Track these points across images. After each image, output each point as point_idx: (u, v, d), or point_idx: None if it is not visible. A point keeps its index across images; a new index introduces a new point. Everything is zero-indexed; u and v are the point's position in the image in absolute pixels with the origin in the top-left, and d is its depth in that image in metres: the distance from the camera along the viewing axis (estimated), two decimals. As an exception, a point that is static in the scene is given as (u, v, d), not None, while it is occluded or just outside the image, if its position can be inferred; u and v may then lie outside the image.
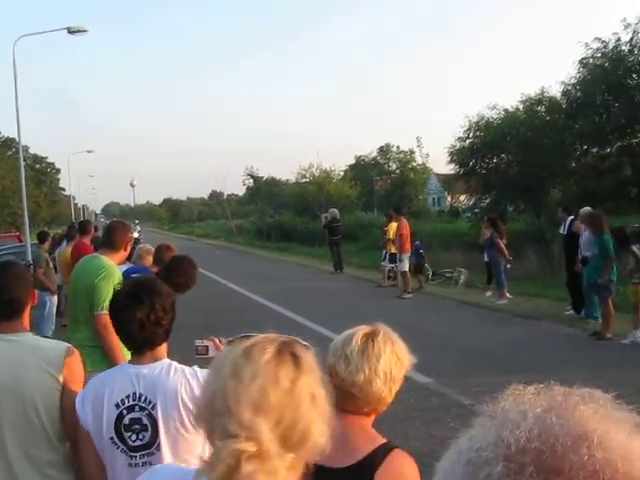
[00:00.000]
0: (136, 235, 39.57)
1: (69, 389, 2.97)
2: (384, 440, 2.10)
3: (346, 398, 2.07)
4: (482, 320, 12.77)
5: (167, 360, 2.72)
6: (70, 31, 22.24)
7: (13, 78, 21.61)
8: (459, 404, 7.44)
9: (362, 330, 2.19)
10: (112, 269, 5.17)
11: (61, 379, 2.95)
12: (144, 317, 2.64)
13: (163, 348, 2.75)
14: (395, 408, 7.37)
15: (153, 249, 7.10)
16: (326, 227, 22.72)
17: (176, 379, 2.61)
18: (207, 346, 2.95)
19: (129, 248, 5.64)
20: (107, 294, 4.97)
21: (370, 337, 2.15)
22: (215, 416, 1.30)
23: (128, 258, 7.61)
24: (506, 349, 10.04)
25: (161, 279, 5.63)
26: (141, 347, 2.70)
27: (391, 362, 2.12)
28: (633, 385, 7.89)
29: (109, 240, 5.39)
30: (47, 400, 2.94)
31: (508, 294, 14.94)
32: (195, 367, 2.69)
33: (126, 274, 5.35)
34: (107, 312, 4.90)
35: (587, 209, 12.56)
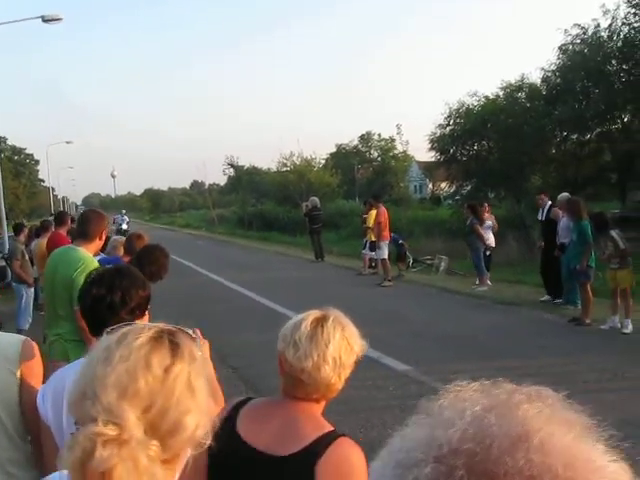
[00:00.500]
0: (124, 227, 37.56)
1: (27, 384, 2.86)
2: (331, 428, 2.04)
3: (295, 384, 2.06)
4: (462, 307, 12.74)
5: None
6: (44, 19, 21.88)
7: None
8: (438, 392, 7.36)
9: (312, 315, 2.13)
10: (90, 261, 5.07)
11: (19, 374, 2.85)
12: (98, 296, 2.59)
13: None
14: (374, 396, 7.33)
15: (126, 239, 7.01)
16: (307, 215, 22.65)
17: None
18: None
19: (104, 237, 5.53)
20: (86, 286, 4.88)
21: (320, 322, 2.10)
22: (84, 402, 1.23)
23: (103, 249, 7.52)
24: (486, 336, 10.02)
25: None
26: (95, 330, 2.59)
27: (341, 348, 2.07)
28: (610, 370, 7.92)
29: (83, 230, 5.27)
30: (5, 396, 2.83)
31: (489, 281, 14.98)
32: None
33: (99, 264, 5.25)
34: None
35: (565, 195, 12.55)
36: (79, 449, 1.15)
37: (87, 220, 5.29)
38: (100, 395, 1.20)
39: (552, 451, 0.62)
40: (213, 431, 1.30)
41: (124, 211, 46.70)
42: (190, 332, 1.42)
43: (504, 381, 0.75)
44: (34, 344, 3.02)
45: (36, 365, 2.96)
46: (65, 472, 1.47)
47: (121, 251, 6.86)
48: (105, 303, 2.59)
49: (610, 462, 0.65)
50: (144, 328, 1.34)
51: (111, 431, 1.16)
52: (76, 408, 1.25)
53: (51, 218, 13.79)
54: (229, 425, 2.07)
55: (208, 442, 1.30)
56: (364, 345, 2.16)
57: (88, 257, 5.10)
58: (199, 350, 1.37)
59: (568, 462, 0.61)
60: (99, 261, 5.71)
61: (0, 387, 2.82)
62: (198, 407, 1.28)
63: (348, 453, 1.96)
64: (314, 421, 2.06)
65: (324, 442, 1.96)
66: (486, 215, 15.41)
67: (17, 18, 24.33)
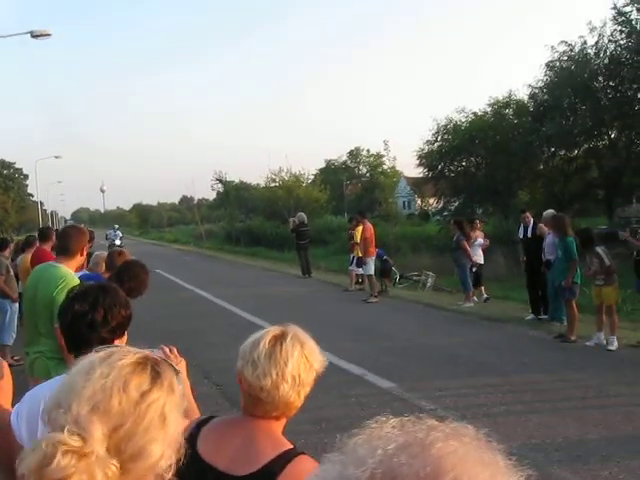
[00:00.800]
0: (118, 242, 35.60)
1: None
2: (290, 446, 2.00)
3: (254, 403, 2.03)
4: (448, 323, 12.68)
5: None
6: (33, 35, 21.94)
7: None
8: (421, 409, 7.31)
9: (271, 333, 2.08)
10: (70, 278, 4.99)
11: None
12: (79, 313, 2.53)
13: None
14: (357, 413, 7.27)
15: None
16: (294, 231, 22.56)
17: None
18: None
19: (85, 253, 5.45)
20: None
21: (278, 340, 2.05)
22: (57, 411, 1.24)
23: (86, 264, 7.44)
24: (470, 352, 9.96)
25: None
26: (73, 348, 2.56)
27: (299, 366, 2.02)
28: (595, 387, 7.88)
29: (64, 246, 5.18)
30: None
31: (485, 294, 15.09)
32: None
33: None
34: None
35: (550, 211, 12.54)
36: (40, 453, 1.16)
37: (67, 236, 5.21)
38: (72, 406, 1.22)
39: None
40: (177, 465, 1.30)
41: (117, 226, 43.51)
42: (177, 367, 1.42)
43: (427, 417, 0.74)
44: (3, 362, 2.94)
45: (5, 384, 2.88)
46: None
47: (103, 267, 6.78)
48: (86, 320, 2.53)
49: None
50: (130, 352, 1.36)
51: (74, 442, 1.17)
52: (49, 416, 1.26)
53: (36, 234, 13.68)
54: (191, 444, 2.02)
55: (170, 475, 1.29)
56: (324, 361, 2.11)
57: (69, 274, 5.03)
58: (180, 384, 1.37)
59: None
60: (80, 278, 5.63)
61: None
62: (166, 438, 1.28)
63: (307, 470, 1.90)
64: (273, 439, 2.03)
65: (283, 460, 1.93)
66: (477, 233, 15.39)
67: (4, 33, 24.28)
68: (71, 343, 2.56)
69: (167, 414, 1.29)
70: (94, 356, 1.33)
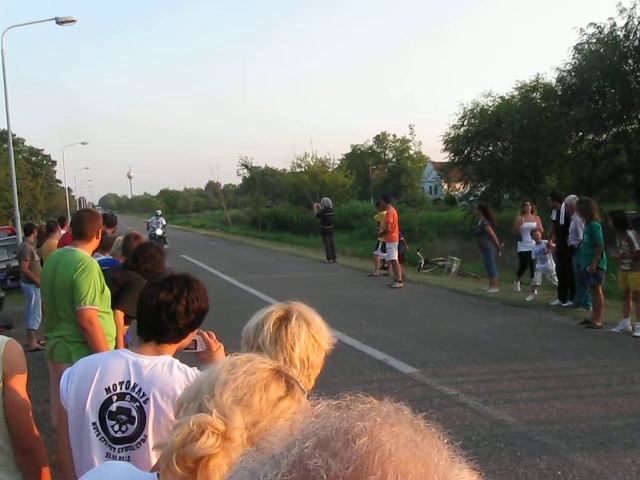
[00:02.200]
0: (159, 232, 30.43)
1: (10, 386, 2.81)
2: None
3: None
4: (472, 309, 12.61)
5: (170, 357, 2.58)
6: (58, 21, 21.96)
7: (2, 69, 21.48)
8: (443, 395, 7.29)
9: (274, 315, 2.03)
10: (89, 261, 5.03)
11: (1, 375, 2.79)
12: (163, 302, 2.55)
13: (170, 348, 2.62)
14: (377, 399, 7.31)
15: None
16: (319, 216, 22.51)
17: (177, 377, 2.46)
18: (195, 340, 2.81)
19: (100, 236, 5.47)
20: (88, 288, 4.85)
21: (283, 322, 2.01)
22: (197, 398, 1.31)
23: (105, 247, 7.48)
24: (495, 338, 9.89)
25: (128, 267, 5.53)
26: (148, 333, 2.58)
27: (307, 347, 1.98)
28: (620, 374, 7.79)
29: (79, 231, 5.20)
30: None
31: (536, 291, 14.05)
32: (196, 369, 2.52)
33: None
34: (90, 307, 4.81)
35: (572, 196, 12.35)
36: (187, 430, 1.21)
37: (82, 220, 5.23)
38: (218, 394, 1.28)
39: None
40: None
41: (159, 211, 34.58)
42: (302, 386, 1.44)
43: (362, 397, 0.67)
44: (18, 345, 2.96)
45: (20, 366, 2.90)
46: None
47: None
48: (169, 311, 2.56)
49: None
50: (269, 360, 1.43)
51: (221, 425, 1.23)
52: (186, 403, 1.33)
53: (57, 220, 13.83)
54: None
55: None
56: (332, 339, 2.06)
57: (87, 257, 5.06)
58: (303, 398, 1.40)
59: None
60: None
61: None
62: None
63: None
64: None
65: None
66: (529, 216, 14.30)
67: (32, 20, 24.46)
68: (148, 328, 2.58)
69: None
70: (235, 357, 1.39)
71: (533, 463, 5.46)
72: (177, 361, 2.56)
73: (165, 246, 27.30)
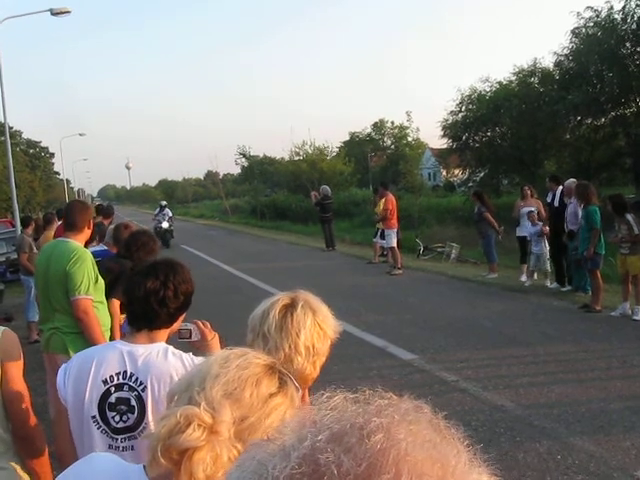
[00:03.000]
0: (165, 225, 27.31)
1: (7, 374, 2.84)
2: None
3: None
4: (471, 295, 12.60)
5: (164, 344, 2.59)
6: (53, 13, 21.88)
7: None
8: (442, 381, 7.31)
9: (280, 302, 2.02)
10: (82, 252, 5.04)
11: None
12: (152, 289, 2.57)
13: (162, 334, 2.63)
14: (377, 386, 7.32)
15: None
16: (318, 205, 22.41)
17: (172, 363, 2.48)
18: (190, 329, 2.81)
19: (92, 226, 5.47)
20: (82, 278, 4.85)
21: (289, 310, 1.99)
22: (187, 390, 1.30)
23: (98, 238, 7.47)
24: (494, 324, 9.89)
25: (122, 257, 5.52)
26: (140, 323, 2.59)
27: (313, 335, 1.97)
28: (619, 358, 7.80)
29: (70, 222, 5.21)
30: None
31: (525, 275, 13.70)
32: (191, 354, 2.56)
33: None
34: (85, 296, 4.81)
35: (572, 180, 12.31)
36: (173, 422, 1.21)
37: (73, 211, 5.25)
38: (208, 388, 1.28)
39: None
40: None
41: (164, 202, 31.01)
42: (297, 385, 1.45)
43: (382, 392, 0.64)
44: (14, 335, 2.98)
45: (16, 354, 2.91)
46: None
47: None
48: (158, 297, 2.58)
49: None
50: (263, 355, 1.43)
51: (208, 418, 1.22)
52: (178, 395, 1.33)
53: (54, 212, 13.81)
54: None
55: None
56: (338, 327, 2.06)
57: (80, 247, 5.07)
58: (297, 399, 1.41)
59: None
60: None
61: None
62: None
63: None
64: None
65: None
66: (529, 201, 13.78)
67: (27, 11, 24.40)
68: (140, 318, 2.59)
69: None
70: (229, 351, 1.39)
71: (533, 448, 5.47)
72: (171, 347, 2.57)
73: (172, 240, 27.23)
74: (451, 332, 9.53)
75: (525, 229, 13.50)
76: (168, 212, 28.82)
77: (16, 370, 2.87)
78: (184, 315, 2.74)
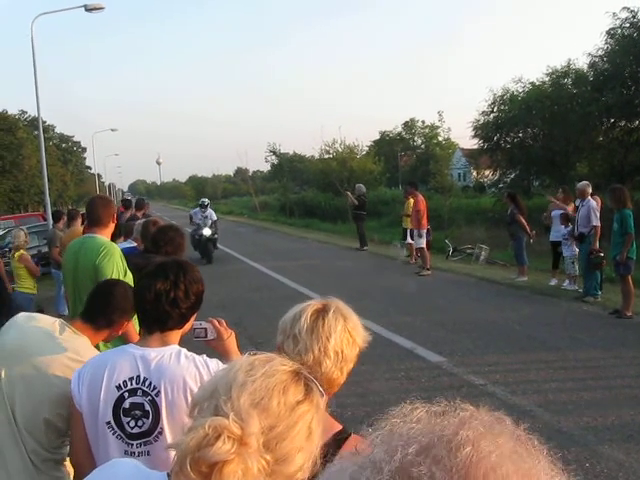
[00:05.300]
0: (207, 233, 20.07)
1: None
2: (340, 427, 1.95)
3: None
4: (501, 297, 12.53)
5: (177, 346, 2.57)
6: (87, 9, 22.19)
7: (32, 56, 21.73)
8: (470, 384, 7.27)
9: (312, 306, 2.02)
10: (110, 246, 5.07)
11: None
12: (162, 290, 2.53)
13: (175, 335, 2.61)
14: (405, 387, 7.24)
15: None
16: (358, 202, 21.52)
17: (185, 367, 2.46)
18: (205, 328, 2.78)
19: (115, 220, 5.51)
20: (111, 272, 4.86)
21: (320, 314, 1.99)
22: (212, 399, 1.28)
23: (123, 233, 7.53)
24: (523, 327, 9.83)
25: (149, 252, 5.55)
26: (151, 325, 2.56)
27: (342, 341, 1.97)
28: (650, 365, 7.69)
29: (95, 217, 5.23)
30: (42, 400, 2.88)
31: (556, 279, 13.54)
32: (204, 356, 2.54)
33: None
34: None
35: (585, 183, 12.24)
36: (202, 434, 1.18)
37: (97, 207, 5.27)
38: (235, 397, 1.26)
39: None
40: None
41: (206, 200, 22.28)
42: (321, 389, 1.45)
43: (462, 404, 0.66)
44: None
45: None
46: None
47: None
48: (169, 298, 2.54)
49: None
50: (288, 362, 1.42)
51: (237, 429, 1.20)
52: (202, 403, 1.31)
53: (81, 209, 13.93)
54: None
55: None
56: (367, 337, 2.06)
57: (108, 241, 5.10)
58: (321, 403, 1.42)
59: None
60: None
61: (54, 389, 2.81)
62: (310, 450, 1.32)
63: None
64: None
65: (335, 443, 1.87)
66: (558, 202, 13.46)
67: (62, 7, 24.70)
68: (151, 319, 2.57)
69: (313, 429, 1.34)
70: (254, 357, 1.38)
71: (561, 454, 5.39)
72: (184, 350, 2.55)
73: (215, 250, 20.70)
74: (479, 335, 9.48)
75: (557, 233, 13.35)
76: (212, 214, 21.37)
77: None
78: (195, 315, 2.71)
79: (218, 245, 21.38)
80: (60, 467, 2.90)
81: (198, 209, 21.60)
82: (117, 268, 4.93)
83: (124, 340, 4.50)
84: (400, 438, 0.60)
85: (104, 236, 5.15)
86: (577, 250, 12.45)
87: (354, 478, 0.58)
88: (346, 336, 1.98)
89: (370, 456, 0.60)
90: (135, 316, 5.22)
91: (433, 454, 0.56)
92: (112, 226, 5.36)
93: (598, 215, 11.46)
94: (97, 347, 4.87)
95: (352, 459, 0.62)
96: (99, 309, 3.18)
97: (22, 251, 11.21)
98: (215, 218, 21.31)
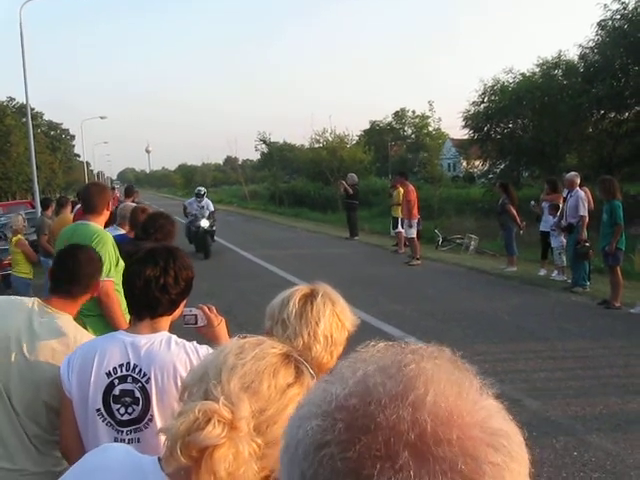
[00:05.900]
0: (205, 224, 18.59)
1: None
2: None
3: None
4: (490, 287, 12.56)
5: (167, 333, 2.57)
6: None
7: (20, 43, 21.57)
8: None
9: (300, 291, 2.04)
10: (103, 234, 5.04)
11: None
12: (152, 276, 2.53)
13: (165, 321, 2.60)
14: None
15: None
16: (350, 192, 21.47)
17: (175, 353, 2.45)
18: (196, 315, 2.76)
19: (110, 208, 5.48)
20: (104, 260, 4.84)
21: (309, 299, 2.01)
22: (202, 382, 1.28)
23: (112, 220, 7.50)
24: (512, 317, 9.86)
25: (139, 239, 5.52)
26: (141, 311, 2.55)
27: (332, 325, 1.99)
28: (638, 355, 7.75)
29: (90, 205, 5.22)
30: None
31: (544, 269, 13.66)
32: (195, 342, 2.54)
33: None
34: (107, 278, 4.82)
35: (573, 173, 12.29)
36: (192, 418, 1.19)
37: (91, 194, 5.25)
38: (225, 380, 1.26)
39: (422, 407, 0.65)
40: None
41: (203, 190, 20.52)
42: (312, 371, 1.44)
43: (413, 343, 0.77)
44: None
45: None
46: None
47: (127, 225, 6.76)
48: (159, 284, 2.54)
49: (490, 413, 0.69)
50: (278, 344, 1.41)
51: (227, 413, 1.20)
52: (192, 387, 1.31)
53: (67, 195, 13.90)
54: None
55: None
56: (355, 320, 2.08)
57: (100, 229, 5.08)
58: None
59: (443, 419, 0.64)
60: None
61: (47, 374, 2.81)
62: None
63: None
64: None
65: None
66: (553, 195, 13.32)
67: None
68: (141, 305, 2.56)
69: None
70: (244, 340, 1.38)
71: (549, 443, 5.45)
72: (174, 336, 2.54)
73: (212, 243, 19.29)
74: (468, 324, 9.50)
75: (546, 223, 13.39)
76: (209, 204, 19.75)
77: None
78: (185, 301, 2.70)
79: (215, 238, 20.12)
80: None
81: (193, 199, 20.14)
82: (109, 257, 4.90)
83: (112, 327, 4.50)
84: (363, 361, 0.74)
85: (97, 224, 5.13)
86: (564, 241, 12.47)
87: (326, 389, 0.71)
88: (335, 320, 2.00)
89: (338, 374, 0.73)
90: (125, 303, 5.23)
91: (386, 372, 0.70)
92: (106, 214, 5.34)
93: (586, 206, 11.49)
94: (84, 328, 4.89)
95: (327, 378, 0.75)
96: (69, 278, 3.15)
97: (20, 236, 11.21)
98: (212, 209, 19.68)
